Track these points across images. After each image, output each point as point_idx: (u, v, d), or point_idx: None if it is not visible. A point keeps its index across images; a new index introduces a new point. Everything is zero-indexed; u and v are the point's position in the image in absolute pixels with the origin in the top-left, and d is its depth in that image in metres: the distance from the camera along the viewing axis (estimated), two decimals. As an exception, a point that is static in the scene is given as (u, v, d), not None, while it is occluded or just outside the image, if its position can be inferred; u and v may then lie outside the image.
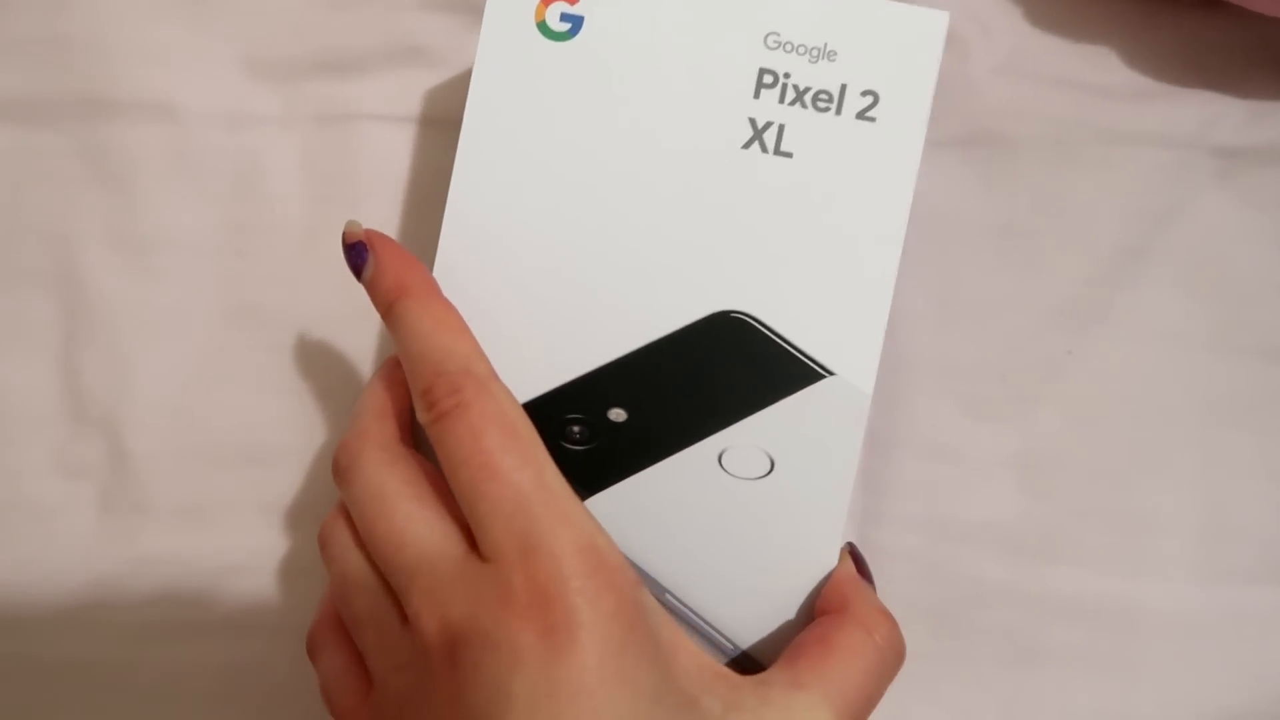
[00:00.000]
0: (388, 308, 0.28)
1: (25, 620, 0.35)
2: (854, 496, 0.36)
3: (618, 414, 0.28)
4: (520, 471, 0.25)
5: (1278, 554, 0.35)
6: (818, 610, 0.28)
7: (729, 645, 0.28)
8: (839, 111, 0.28)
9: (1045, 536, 0.35)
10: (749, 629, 0.28)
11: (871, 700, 0.27)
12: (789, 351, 0.28)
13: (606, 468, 0.28)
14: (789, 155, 0.28)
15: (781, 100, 0.28)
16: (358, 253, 0.28)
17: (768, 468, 0.27)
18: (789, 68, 0.28)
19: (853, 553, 0.30)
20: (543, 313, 0.28)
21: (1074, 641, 0.35)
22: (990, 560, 0.35)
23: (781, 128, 0.28)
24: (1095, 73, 0.36)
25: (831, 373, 0.28)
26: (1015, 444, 0.36)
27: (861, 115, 0.28)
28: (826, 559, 0.28)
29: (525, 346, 0.28)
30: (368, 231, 0.29)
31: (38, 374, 0.36)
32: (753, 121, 0.28)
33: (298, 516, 0.36)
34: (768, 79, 0.28)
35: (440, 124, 0.36)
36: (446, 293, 0.28)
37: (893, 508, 0.36)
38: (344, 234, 0.29)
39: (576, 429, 0.28)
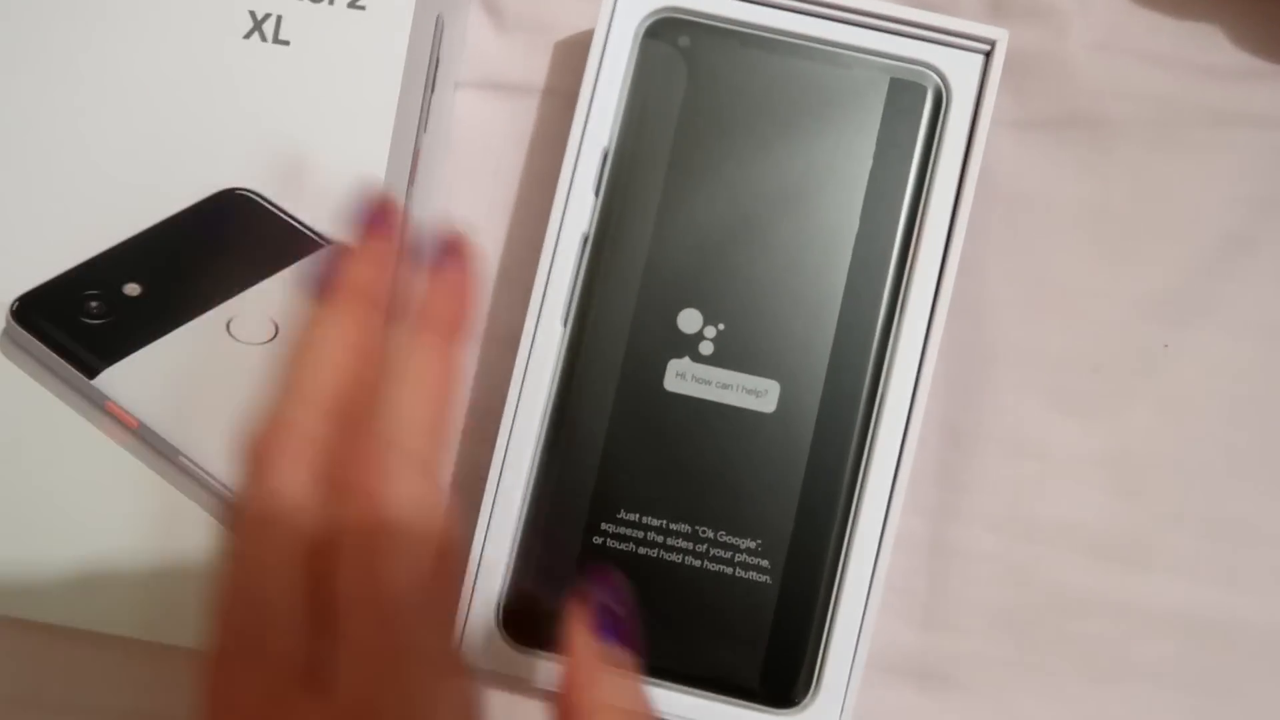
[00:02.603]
0: (450, 330, 0.23)
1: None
2: (930, 491, 0.34)
3: (132, 288, 0.30)
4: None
5: (1387, 569, 0.33)
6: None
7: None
8: (331, 1, 0.30)
9: (1134, 542, 0.33)
10: None
11: None
12: (290, 224, 0.30)
13: (123, 339, 0.30)
14: (287, 43, 0.30)
15: None
16: (447, 251, 0.24)
17: (273, 333, 0.29)
18: None
19: (589, 592, 0.24)
20: (61, 198, 0.30)
21: (1164, 656, 0.33)
22: (1075, 565, 0.33)
23: (280, 18, 0.30)
24: (1200, 51, 0.34)
25: (330, 241, 0.29)
26: (1105, 442, 0.34)
27: (352, 4, 0.30)
28: None
29: (45, 230, 0.30)
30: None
31: None
32: (252, 14, 0.30)
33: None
34: None
35: (519, 90, 0.35)
36: None
37: (972, 505, 0.34)
38: (444, 232, 0.24)
39: (94, 304, 0.30)
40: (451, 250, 0.24)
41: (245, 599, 0.21)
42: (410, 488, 0.21)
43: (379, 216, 0.24)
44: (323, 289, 0.23)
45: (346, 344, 0.23)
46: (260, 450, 0.22)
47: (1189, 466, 0.34)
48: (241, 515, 0.22)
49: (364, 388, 0.22)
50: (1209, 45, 0.34)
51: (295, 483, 0.21)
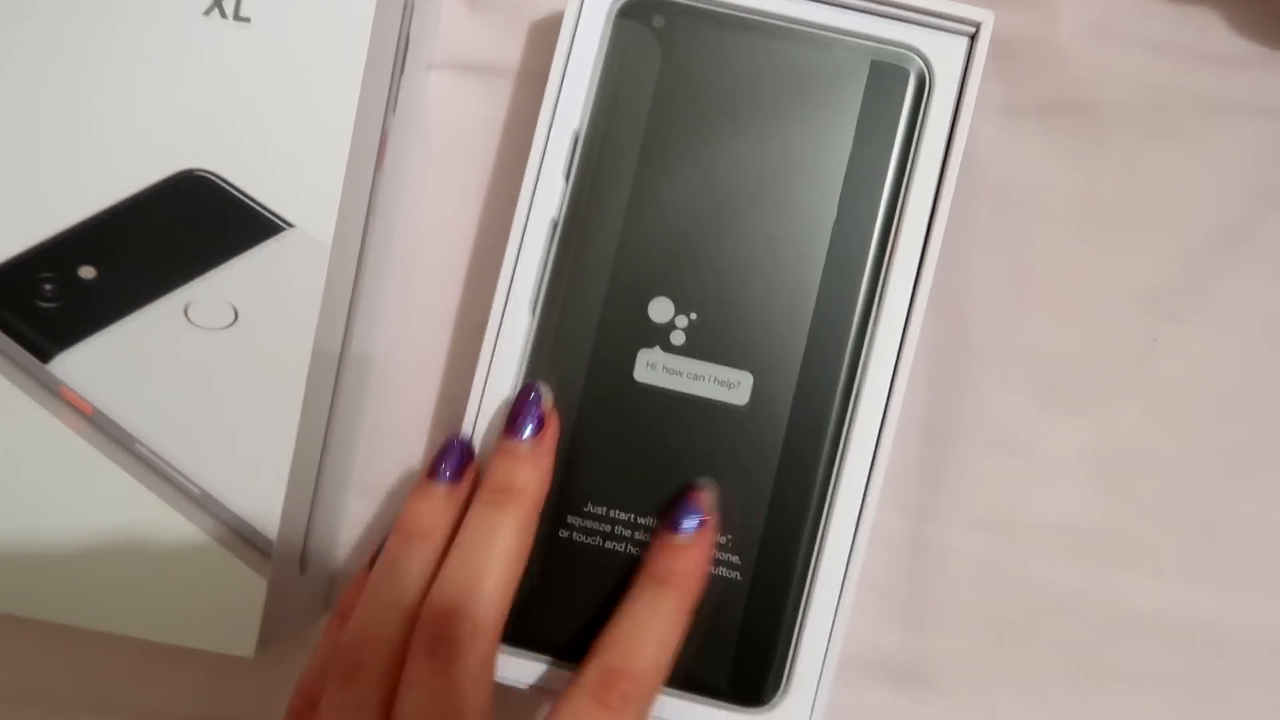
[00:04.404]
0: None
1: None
2: (912, 488, 0.33)
3: (87, 271, 0.29)
4: None
5: (1382, 573, 0.32)
6: None
7: (194, 488, 0.29)
8: None
9: (1121, 542, 0.33)
10: (215, 472, 0.29)
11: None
12: (250, 206, 0.29)
13: (78, 323, 0.29)
14: (248, 20, 0.29)
15: None
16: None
17: (232, 318, 0.29)
18: None
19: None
20: (14, 179, 0.29)
21: (1149, 659, 0.32)
22: (1060, 565, 0.33)
23: None
24: (1197, 36, 0.33)
25: (291, 225, 0.29)
26: (1092, 440, 0.33)
27: None
28: (290, 405, 0.29)
29: None
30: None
31: None
32: None
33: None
34: None
35: (493, 71, 0.34)
36: None
37: (954, 503, 0.33)
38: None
39: (48, 288, 0.29)
40: (705, 525, 0.27)
41: None
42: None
43: (548, 422, 0.27)
44: (493, 491, 0.26)
45: (521, 551, 0.26)
46: (440, 632, 0.25)
47: (1177, 465, 0.33)
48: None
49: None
50: (1205, 31, 0.33)
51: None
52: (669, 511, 0.28)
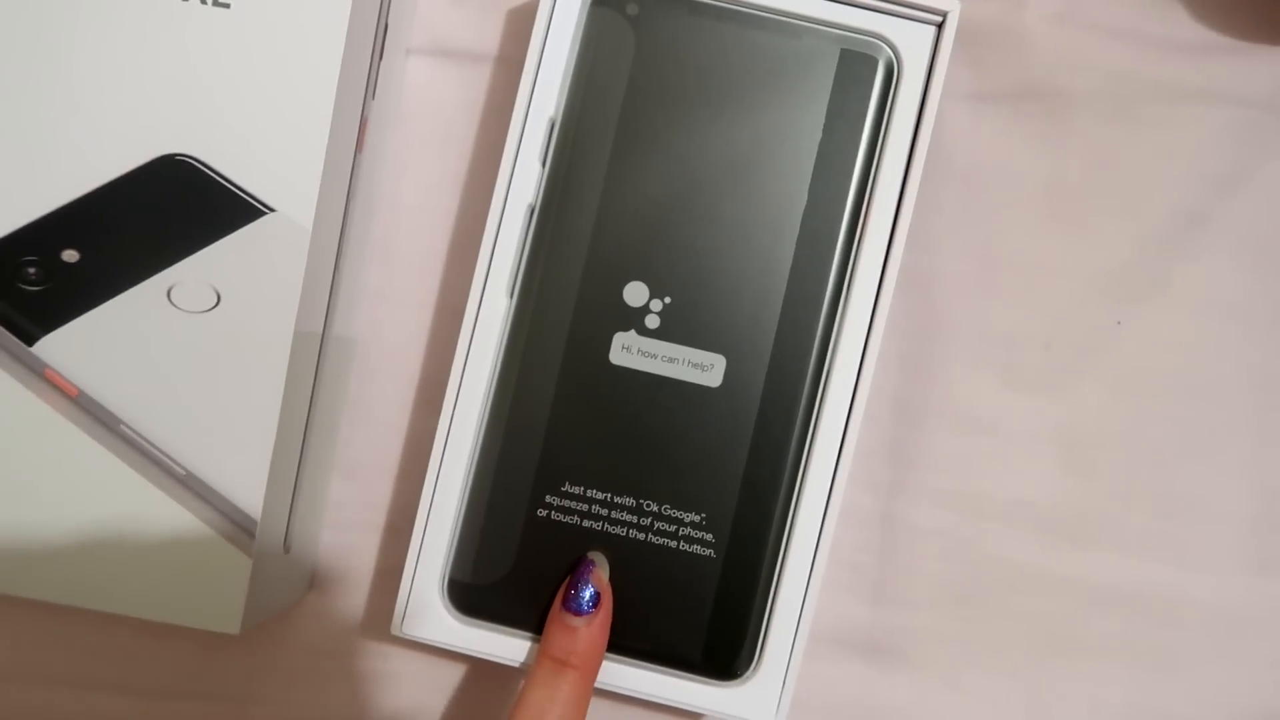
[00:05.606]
0: (563, 664, 0.28)
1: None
2: (881, 467, 0.34)
3: (70, 254, 0.29)
4: None
5: (1334, 547, 0.33)
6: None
7: (179, 470, 0.29)
8: None
9: (1085, 519, 0.33)
10: (199, 454, 0.29)
11: None
12: (230, 190, 0.29)
13: (62, 306, 0.29)
14: (227, 6, 0.29)
15: None
16: (592, 599, 0.29)
17: (214, 301, 0.29)
18: None
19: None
20: None
21: (1110, 632, 0.33)
22: (1025, 542, 0.33)
23: None
24: (1160, 24, 0.34)
25: (272, 209, 0.29)
26: (1056, 419, 0.34)
27: None
28: (273, 387, 0.29)
29: None
30: (608, 584, 0.29)
31: None
32: None
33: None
34: None
35: (471, 58, 0.34)
36: None
37: (922, 481, 0.34)
38: (593, 570, 0.29)
39: (31, 270, 0.29)
40: (600, 603, 0.29)
41: None
42: None
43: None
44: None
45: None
46: None
47: (1139, 444, 0.34)
48: None
49: None
50: (1168, 19, 0.34)
51: None
52: (565, 587, 0.29)
